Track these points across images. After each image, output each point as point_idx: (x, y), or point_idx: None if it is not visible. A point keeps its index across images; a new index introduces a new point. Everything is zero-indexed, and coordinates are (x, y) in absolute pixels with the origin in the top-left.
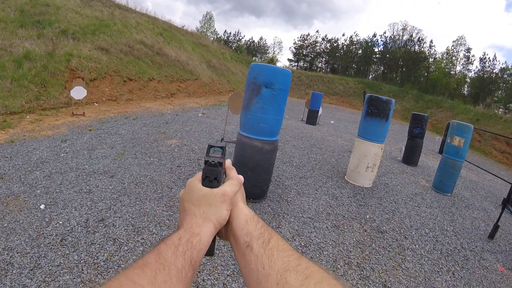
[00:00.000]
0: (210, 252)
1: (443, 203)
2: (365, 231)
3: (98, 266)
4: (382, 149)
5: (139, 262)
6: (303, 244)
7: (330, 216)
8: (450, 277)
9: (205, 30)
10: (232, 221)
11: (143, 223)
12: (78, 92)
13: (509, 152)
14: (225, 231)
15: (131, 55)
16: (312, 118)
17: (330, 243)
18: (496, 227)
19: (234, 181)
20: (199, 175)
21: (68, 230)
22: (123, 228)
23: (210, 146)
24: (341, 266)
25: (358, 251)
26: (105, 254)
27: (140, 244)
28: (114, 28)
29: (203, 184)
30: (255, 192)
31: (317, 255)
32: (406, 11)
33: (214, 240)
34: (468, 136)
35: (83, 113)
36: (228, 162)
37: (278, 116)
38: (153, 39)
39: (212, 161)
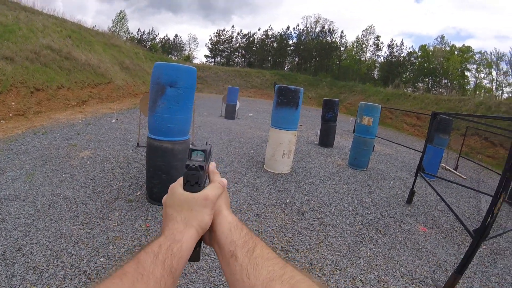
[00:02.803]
0: (195, 257)
1: (360, 178)
2: (286, 215)
3: None
4: (295, 135)
5: (119, 271)
6: None
7: (251, 206)
8: (374, 244)
9: (117, 30)
10: (216, 228)
11: (61, 246)
12: None
13: (420, 125)
14: (209, 238)
15: (37, 62)
16: (230, 112)
17: (253, 232)
18: (412, 193)
19: (216, 184)
20: (181, 179)
21: None
22: (41, 254)
23: (192, 150)
24: None
25: (281, 236)
26: (28, 285)
27: (60, 268)
28: (19, 33)
29: (185, 189)
30: None
31: None
32: (319, 4)
33: (199, 245)
34: (376, 115)
35: None
36: (212, 166)
37: (186, 115)
38: (61, 43)
39: (193, 165)
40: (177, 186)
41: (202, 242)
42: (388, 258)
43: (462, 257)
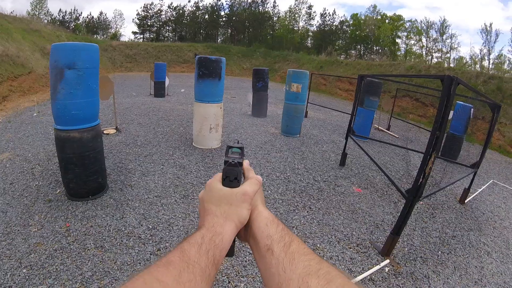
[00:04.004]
0: (230, 253)
1: (293, 145)
2: None
3: None
4: (221, 108)
5: (163, 260)
6: (151, 226)
7: (178, 187)
8: (307, 211)
9: (37, 13)
10: (252, 223)
11: None
12: None
13: (352, 90)
14: (244, 233)
15: None
16: (159, 90)
17: (180, 215)
18: (344, 155)
19: (253, 181)
20: (218, 175)
21: None
22: None
23: (229, 147)
24: None
25: None
26: None
27: None
28: None
29: (223, 184)
30: (90, 188)
31: (167, 233)
32: None
33: (234, 241)
34: (305, 81)
35: None
36: (246, 163)
37: (91, 98)
38: None
39: (232, 161)
40: (215, 181)
41: (236, 237)
42: (323, 224)
43: (399, 215)
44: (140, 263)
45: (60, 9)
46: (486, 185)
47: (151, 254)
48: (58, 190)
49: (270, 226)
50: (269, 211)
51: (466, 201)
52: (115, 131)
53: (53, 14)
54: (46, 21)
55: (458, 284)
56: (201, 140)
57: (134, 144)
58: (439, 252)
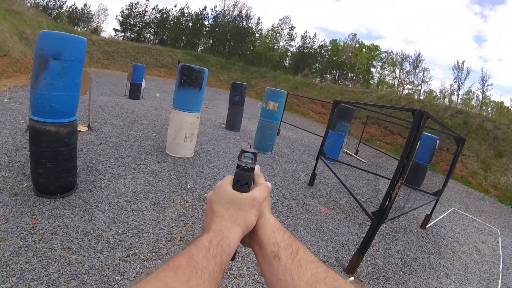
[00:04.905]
0: (232, 256)
1: (264, 161)
2: (186, 202)
3: None
4: (198, 118)
5: (170, 264)
6: (120, 232)
7: (149, 194)
8: None
9: None
10: (258, 229)
11: None
12: None
13: (325, 112)
14: (249, 238)
15: None
16: (135, 92)
17: (150, 223)
18: (313, 175)
19: (263, 187)
20: (228, 178)
21: None
22: None
23: (242, 151)
24: (163, 245)
25: (180, 225)
26: None
27: None
28: None
29: (234, 188)
30: (60, 185)
31: (137, 240)
32: None
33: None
34: (282, 100)
35: None
36: (257, 168)
37: (72, 93)
38: None
39: (245, 166)
40: (226, 184)
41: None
42: None
43: (364, 236)
44: (108, 268)
45: None
46: (447, 212)
47: (120, 260)
48: (26, 184)
49: (277, 233)
50: (275, 219)
51: (427, 226)
52: (87, 129)
53: None
54: (29, 3)
55: None
56: (174, 148)
57: (106, 144)
58: (401, 272)
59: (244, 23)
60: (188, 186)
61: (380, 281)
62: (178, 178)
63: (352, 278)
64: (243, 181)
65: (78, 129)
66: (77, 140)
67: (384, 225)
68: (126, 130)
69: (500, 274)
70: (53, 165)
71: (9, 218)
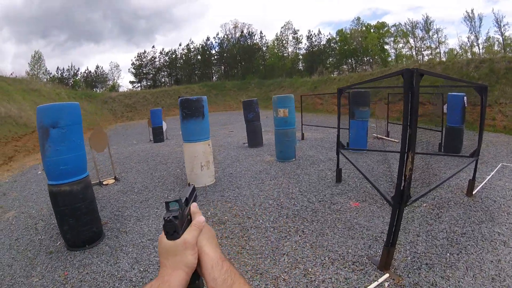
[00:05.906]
0: None
1: (288, 169)
2: None
3: None
4: (209, 145)
5: None
6: (142, 269)
7: None
8: (299, 236)
9: (36, 72)
10: (201, 266)
11: None
12: None
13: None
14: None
15: None
16: (158, 135)
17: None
18: (339, 171)
19: (192, 228)
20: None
21: None
22: None
23: (166, 203)
24: None
25: None
26: None
27: None
28: None
29: (168, 238)
30: (86, 237)
31: (157, 274)
32: (236, 10)
33: (197, 279)
34: (291, 105)
35: None
36: (193, 207)
37: (77, 153)
38: None
39: (167, 218)
40: (162, 237)
41: (199, 276)
42: (316, 246)
43: (389, 225)
44: None
45: (58, 67)
46: (495, 170)
47: None
48: (59, 242)
49: (214, 268)
50: (216, 251)
51: (473, 192)
52: (114, 181)
53: (51, 72)
54: (45, 79)
55: (472, 286)
56: (194, 179)
57: (131, 191)
58: (448, 254)
59: (248, 41)
60: (209, 213)
61: (423, 270)
62: (199, 207)
63: (386, 275)
64: (170, 231)
65: (105, 182)
66: (93, 193)
67: (425, 204)
68: (151, 173)
69: None
70: (75, 220)
71: (45, 274)
